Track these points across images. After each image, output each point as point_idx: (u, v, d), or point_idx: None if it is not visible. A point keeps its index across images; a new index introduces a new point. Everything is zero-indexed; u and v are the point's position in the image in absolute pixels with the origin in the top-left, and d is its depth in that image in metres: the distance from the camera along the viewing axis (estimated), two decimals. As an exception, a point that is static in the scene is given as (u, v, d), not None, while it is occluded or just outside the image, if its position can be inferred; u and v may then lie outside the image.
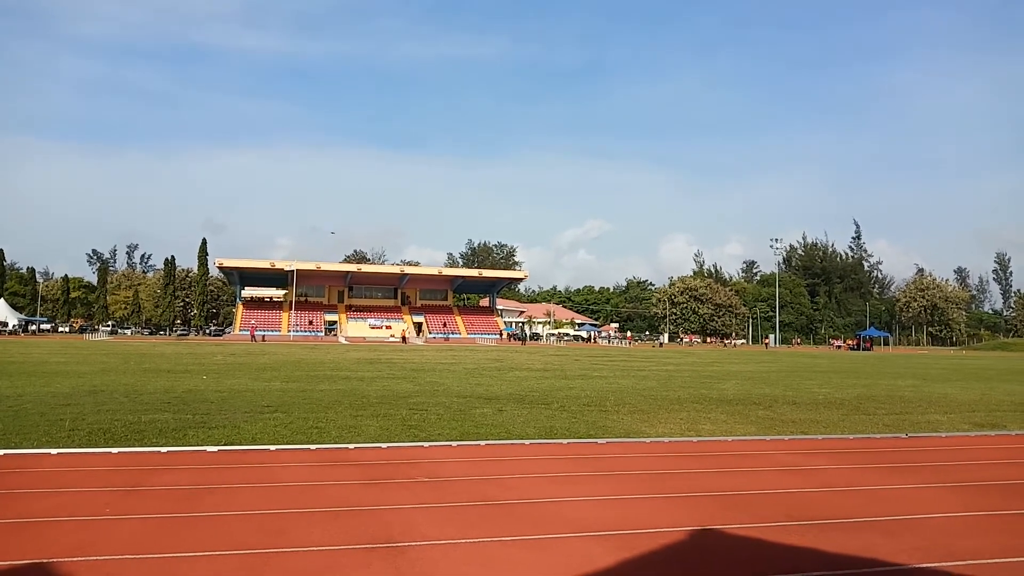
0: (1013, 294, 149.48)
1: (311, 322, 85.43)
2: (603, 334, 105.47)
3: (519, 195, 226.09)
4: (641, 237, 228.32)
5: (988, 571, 4.53)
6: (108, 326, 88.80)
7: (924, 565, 4.61)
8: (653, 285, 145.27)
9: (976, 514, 5.93)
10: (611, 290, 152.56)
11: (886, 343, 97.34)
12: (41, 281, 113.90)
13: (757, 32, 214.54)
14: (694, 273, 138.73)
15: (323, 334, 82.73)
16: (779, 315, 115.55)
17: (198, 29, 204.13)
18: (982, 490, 6.85)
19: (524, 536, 5.05)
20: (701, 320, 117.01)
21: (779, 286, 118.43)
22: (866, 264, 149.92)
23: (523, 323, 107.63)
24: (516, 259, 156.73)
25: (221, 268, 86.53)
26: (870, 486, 6.93)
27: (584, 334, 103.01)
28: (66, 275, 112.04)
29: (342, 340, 73.44)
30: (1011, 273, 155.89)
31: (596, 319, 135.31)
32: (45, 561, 4.36)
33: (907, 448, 9.40)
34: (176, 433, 9.21)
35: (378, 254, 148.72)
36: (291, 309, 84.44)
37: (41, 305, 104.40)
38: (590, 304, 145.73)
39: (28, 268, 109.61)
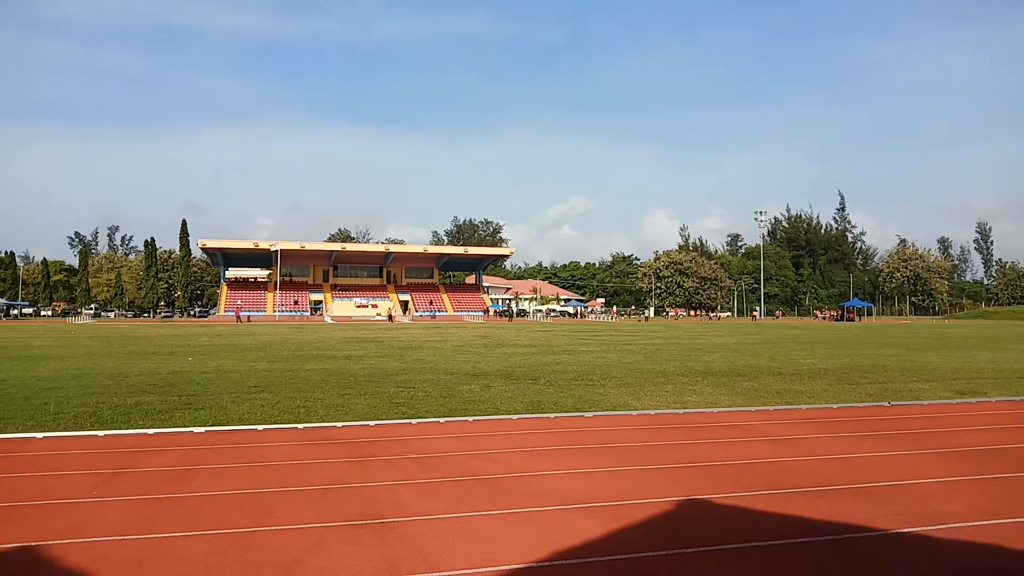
0: (994, 263, 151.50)
1: (296, 302, 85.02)
2: (591, 309, 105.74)
3: (503, 172, 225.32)
4: (624, 212, 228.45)
5: (968, 534, 4.62)
6: (91, 309, 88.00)
7: (906, 530, 4.69)
8: (638, 260, 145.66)
9: (956, 479, 6.04)
10: (597, 265, 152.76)
11: (869, 313, 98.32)
12: (21, 265, 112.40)
13: (740, 4, 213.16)
14: (679, 247, 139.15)
15: (309, 314, 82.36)
16: (764, 287, 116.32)
17: (177, 9, 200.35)
18: (963, 456, 6.98)
19: (512, 509, 5.09)
20: (687, 294, 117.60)
21: (764, 258, 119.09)
22: (850, 235, 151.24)
23: (510, 300, 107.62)
24: (502, 236, 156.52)
25: (204, 249, 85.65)
26: (853, 454, 7.03)
27: (571, 310, 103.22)
28: (44, 259, 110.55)
29: (328, 319, 73.20)
30: (992, 243, 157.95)
31: (582, 295, 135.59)
32: (33, 544, 4.34)
33: (890, 416, 9.54)
34: (162, 415, 9.17)
35: (362, 232, 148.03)
36: (276, 289, 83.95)
37: (22, 289, 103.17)
38: (576, 280, 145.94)
39: (7, 252, 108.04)
